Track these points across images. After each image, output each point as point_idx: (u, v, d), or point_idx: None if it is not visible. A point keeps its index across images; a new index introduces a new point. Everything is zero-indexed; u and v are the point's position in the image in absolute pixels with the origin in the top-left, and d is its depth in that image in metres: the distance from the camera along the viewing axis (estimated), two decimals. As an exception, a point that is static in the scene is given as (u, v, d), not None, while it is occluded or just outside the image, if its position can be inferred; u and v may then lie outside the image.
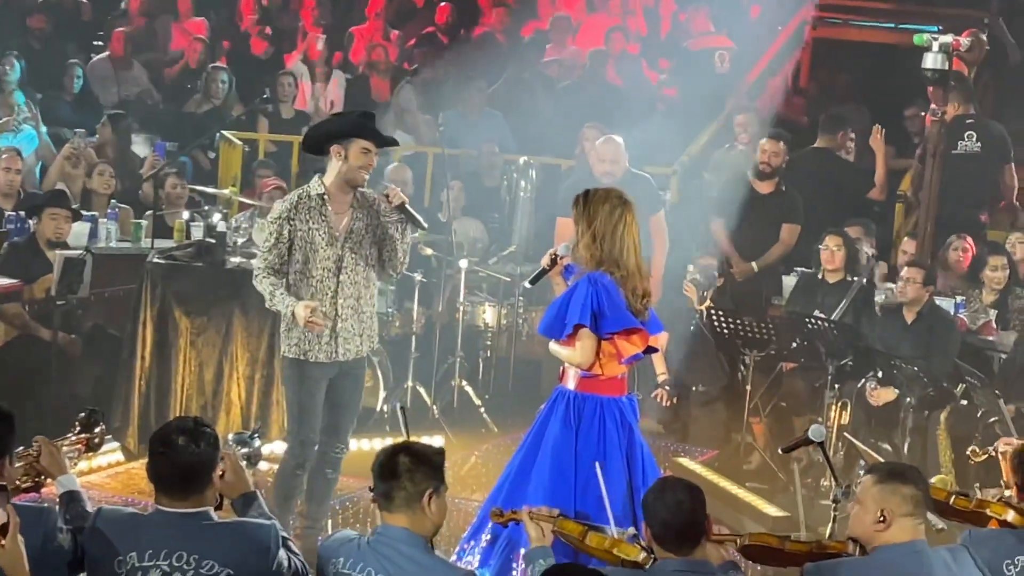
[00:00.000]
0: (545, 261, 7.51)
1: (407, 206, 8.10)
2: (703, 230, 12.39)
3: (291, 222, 7.96)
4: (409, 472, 5.42)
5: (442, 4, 16.78)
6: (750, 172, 12.19)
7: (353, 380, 8.29)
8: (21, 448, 5.83)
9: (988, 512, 6.09)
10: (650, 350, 7.50)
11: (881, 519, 5.47)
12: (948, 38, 10.94)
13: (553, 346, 7.39)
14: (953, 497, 6.24)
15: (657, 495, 5.59)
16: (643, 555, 5.66)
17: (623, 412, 7.28)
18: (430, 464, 5.49)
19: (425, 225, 8.50)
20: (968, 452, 7.43)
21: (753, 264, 11.93)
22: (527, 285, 8.09)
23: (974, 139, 12.33)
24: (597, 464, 6.92)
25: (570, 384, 7.31)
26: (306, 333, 8.00)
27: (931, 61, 11.01)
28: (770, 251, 12.01)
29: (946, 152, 11.83)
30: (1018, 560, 5.75)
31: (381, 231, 8.12)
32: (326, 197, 8.00)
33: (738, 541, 5.93)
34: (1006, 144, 12.59)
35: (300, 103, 15.43)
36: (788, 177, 12.09)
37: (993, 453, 7.00)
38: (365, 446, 9.90)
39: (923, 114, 13.21)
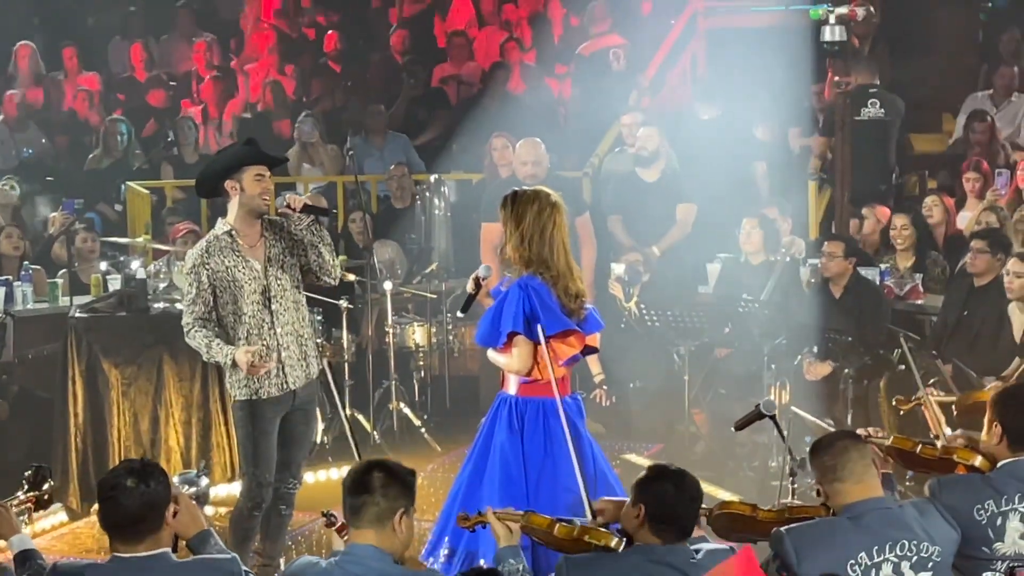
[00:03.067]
0: (470, 287, 7.49)
1: (308, 203, 7.97)
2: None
3: (207, 267, 7.81)
4: (383, 488, 5.34)
5: (329, 32, 16.69)
6: (634, 163, 12.24)
7: (304, 415, 8.16)
8: (-31, 511, 5.71)
9: (955, 458, 6.09)
10: (589, 350, 7.47)
11: (818, 493, 5.69)
12: (844, 9, 11.01)
13: (491, 354, 7.37)
14: (920, 447, 6.24)
15: (674, 484, 5.49)
16: (615, 540, 5.59)
17: (568, 412, 7.20)
18: (403, 482, 5.42)
19: (334, 210, 8.37)
20: (893, 401, 7.45)
21: (655, 248, 11.89)
22: (460, 315, 8.03)
23: (877, 106, 12.44)
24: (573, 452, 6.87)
25: (511, 389, 7.28)
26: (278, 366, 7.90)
27: (829, 33, 11.08)
28: (669, 233, 11.99)
29: (850, 120, 11.96)
30: (987, 505, 5.76)
31: (299, 246, 7.96)
32: (234, 233, 7.87)
33: (711, 513, 5.89)
34: (901, 113, 12.79)
35: (203, 145, 15.29)
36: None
37: (919, 402, 7.06)
38: (310, 479, 9.78)
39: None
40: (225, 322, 7.88)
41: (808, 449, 5.83)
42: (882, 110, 12.45)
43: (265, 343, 7.85)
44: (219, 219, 8.03)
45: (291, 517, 8.39)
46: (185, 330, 7.90)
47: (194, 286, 7.83)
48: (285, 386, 7.95)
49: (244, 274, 7.84)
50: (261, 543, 8.24)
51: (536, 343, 7.11)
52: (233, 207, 7.90)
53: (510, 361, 7.21)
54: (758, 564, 5.25)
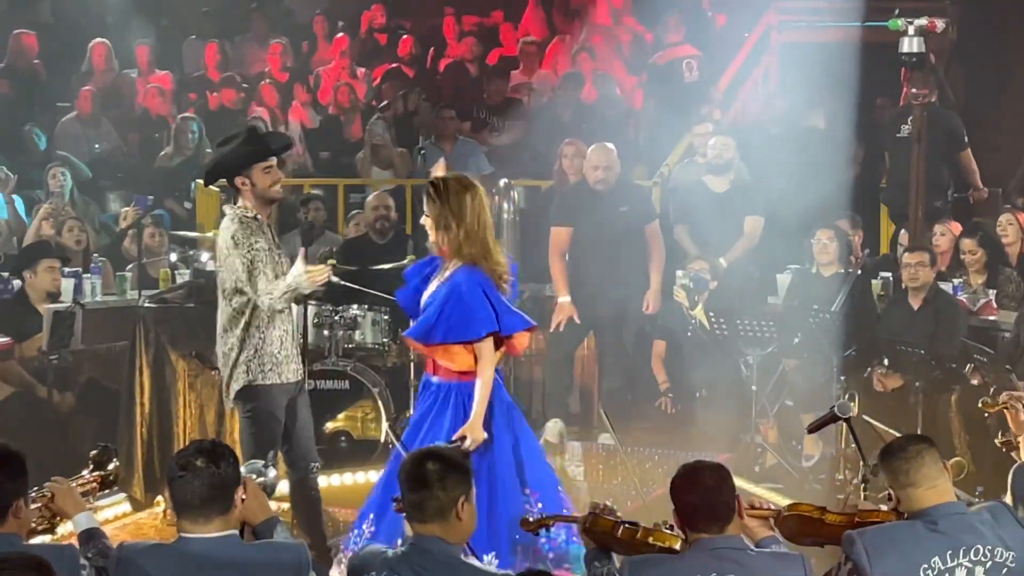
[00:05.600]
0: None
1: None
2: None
3: (255, 246, 7.84)
4: (440, 480, 5.30)
5: (404, 37, 16.73)
6: (704, 171, 12.16)
7: (306, 399, 8.32)
8: (35, 490, 5.71)
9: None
10: None
11: (889, 497, 5.63)
12: (923, 20, 10.90)
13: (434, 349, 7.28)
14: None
15: (683, 479, 5.48)
16: (680, 542, 5.55)
17: (498, 386, 7.34)
18: (459, 469, 5.38)
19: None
20: (980, 403, 7.34)
21: (721, 260, 11.80)
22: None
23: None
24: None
25: (449, 377, 7.27)
26: (275, 356, 7.91)
27: (907, 45, 10.98)
28: (736, 245, 11.89)
29: (891, 137, 11.91)
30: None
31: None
32: (259, 219, 7.94)
33: (779, 515, 5.82)
34: (960, 130, 12.68)
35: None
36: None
37: (1005, 405, 6.95)
38: (373, 477, 9.74)
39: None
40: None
41: (879, 453, 5.74)
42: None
43: (285, 328, 7.96)
44: (230, 206, 8.11)
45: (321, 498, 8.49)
46: (267, 298, 7.83)
47: (248, 257, 7.81)
48: (299, 372, 8.06)
49: (271, 256, 7.88)
50: (302, 532, 8.28)
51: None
52: (247, 197, 7.95)
53: (490, 358, 7.14)
54: None
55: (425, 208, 7.27)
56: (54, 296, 10.61)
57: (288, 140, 9.10)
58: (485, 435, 7.13)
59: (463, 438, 7.06)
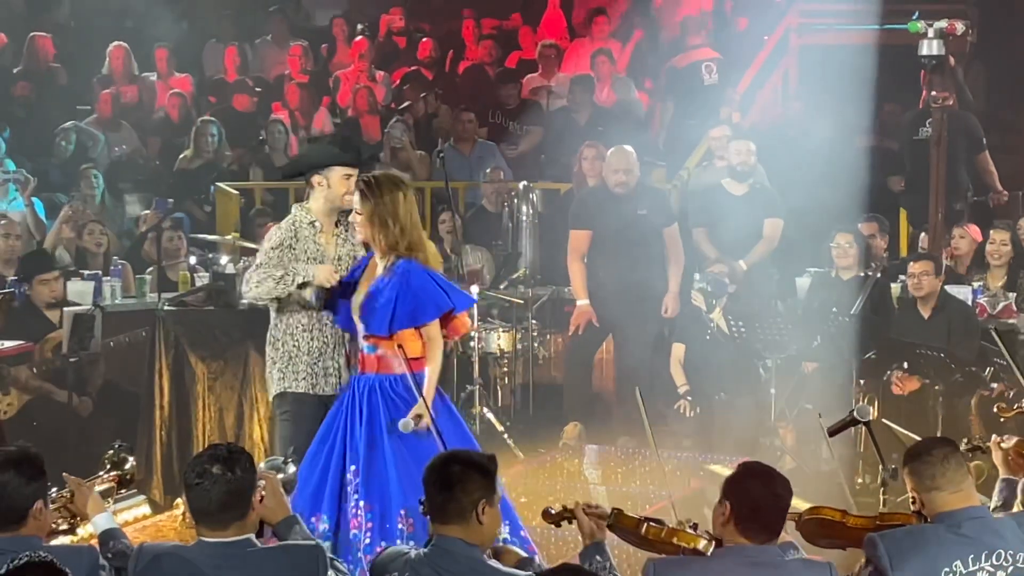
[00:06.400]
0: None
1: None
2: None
3: (292, 250, 7.82)
4: (462, 482, 5.30)
5: (423, 40, 16.74)
6: (725, 175, 12.15)
7: None
8: (54, 490, 5.72)
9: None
10: None
11: (913, 500, 5.57)
12: (943, 23, 10.88)
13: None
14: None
15: (756, 478, 5.40)
16: (704, 542, 5.51)
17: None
18: (482, 471, 5.38)
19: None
20: (995, 409, 7.32)
21: (741, 263, 11.77)
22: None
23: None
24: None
25: (399, 368, 7.39)
26: (312, 367, 7.87)
27: (927, 48, 10.96)
28: (755, 248, 11.85)
29: (908, 140, 11.90)
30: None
31: (351, 260, 7.99)
32: (317, 224, 7.90)
33: (800, 518, 5.80)
34: (977, 132, 12.67)
35: (292, 150, 15.33)
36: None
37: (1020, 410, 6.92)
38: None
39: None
40: (289, 308, 7.85)
41: (904, 456, 5.71)
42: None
43: (326, 339, 7.88)
44: (297, 204, 8.06)
45: None
46: (246, 289, 7.90)
47: (272, 261, 7.78)
48: (337, 386, 7.94)
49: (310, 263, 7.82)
50: None
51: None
52: (317, 199, 7.94)
53: (439, 341, 7.46)
54: None
55: (357, 205, 7.46)
56: (57, 305, 10.64)
57: (378, 151, 9.05)
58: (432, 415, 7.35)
59: (419, 417, 7.26)
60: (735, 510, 5.33)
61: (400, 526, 7.27)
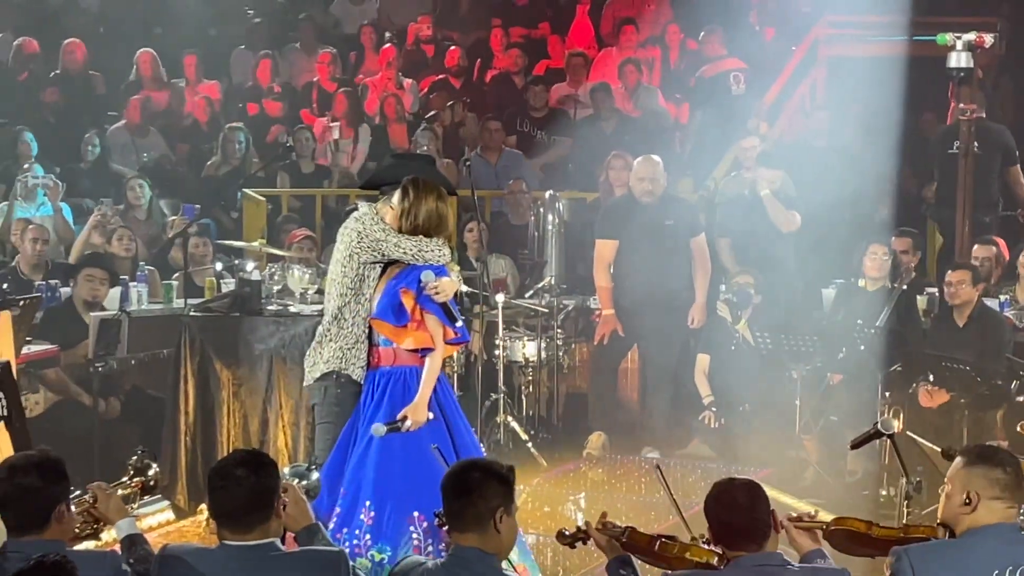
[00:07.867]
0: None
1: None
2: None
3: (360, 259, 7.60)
4: (480, 489, 5.30)
5: (451, 48, 16.77)
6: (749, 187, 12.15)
7: None
8: (77, 495, 5.74)
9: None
10: None
11: (967, 501, 5.36)
12: (971, 35, 10.86)
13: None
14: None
15: (714, 498, 5.44)
16: (716, 557, 5.52)
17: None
18: (501, 480, 5.37)
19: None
20: (1019, 428, 7.28)
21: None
22: None
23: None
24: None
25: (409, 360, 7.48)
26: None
27: (955, 60, 10.94)
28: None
29: (941, 153, 11.87)
30: None
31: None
32: (386, 231, 7.58)
33: (827, 528, 5.78)
34: (1011, 145, 12.61)
35: (320, 159, 15.37)
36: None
37: None
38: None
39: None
40: (347, 311, 7.66)
41: (976, 455, 5.50)
42: (975, 143, 12.16)
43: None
44: (370, 204, 7.79)
45: None
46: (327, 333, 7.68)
47: (349, 277, 7.60)
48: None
49: (374, 274, 7.67)
50: None
51: None
52: (392, 211, 7.60)
53: (441, 341, 7.48)
54: None
55: (396, 198, 7.50)
56: (92, 306, 10.68)
57: (453, 189, 8.77)
58: (431, 415, 7.34)
59: (404, 418, 7.27)
60: (713, 532, 5.47)
61: (362, 517, 7.29)
